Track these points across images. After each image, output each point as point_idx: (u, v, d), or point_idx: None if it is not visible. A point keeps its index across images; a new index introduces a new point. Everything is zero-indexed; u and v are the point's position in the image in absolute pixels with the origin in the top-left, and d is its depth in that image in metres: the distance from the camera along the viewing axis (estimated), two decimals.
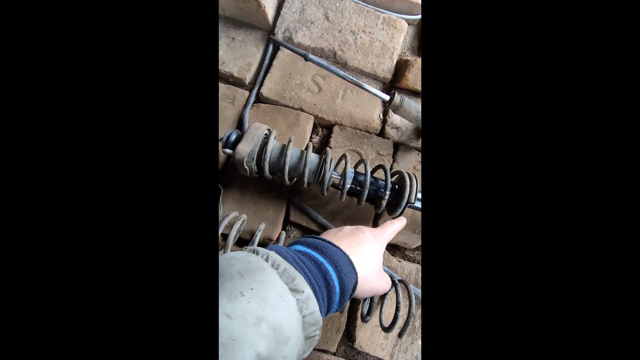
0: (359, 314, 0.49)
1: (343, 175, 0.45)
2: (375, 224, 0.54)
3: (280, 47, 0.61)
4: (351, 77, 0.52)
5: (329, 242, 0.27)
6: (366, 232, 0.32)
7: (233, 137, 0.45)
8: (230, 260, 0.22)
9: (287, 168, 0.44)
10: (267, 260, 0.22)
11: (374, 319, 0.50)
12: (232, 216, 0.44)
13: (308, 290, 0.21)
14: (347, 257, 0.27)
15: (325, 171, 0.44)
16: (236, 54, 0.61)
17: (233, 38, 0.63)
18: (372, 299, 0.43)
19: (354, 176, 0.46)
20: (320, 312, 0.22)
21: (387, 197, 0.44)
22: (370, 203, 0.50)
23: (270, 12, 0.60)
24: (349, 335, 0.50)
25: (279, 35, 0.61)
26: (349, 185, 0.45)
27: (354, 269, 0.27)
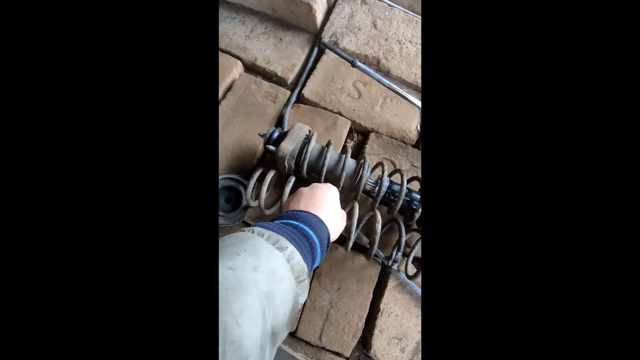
0: (378, 318, 0.49)
1: (378, 183, 0.45)
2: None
3: (325, 51, 0.62)
4: (396, 87, 0.52)
5: (300, 210, 0.34)
6: (322, 186, 0.39)
7: (276, 135, 0.46)
8: (223, 239, 0.27)
9: (325, 170, 0.44)
10: (253, 232, 0.28)
11: (390, 331, 0.49)
12: (258, 174, 0.45)
13: (291, 247, 0.27)
14: (316, 216, 0.34)
15: (362, 177, 0.45)
16: (282, 54, 0.63)
17: (280, 39, 0.65)
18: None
19: (388, 185, 0.46)
20: (306, 261, 0.28)
21: (420, 211, 0.44)
22: (401, 214, 0.50)
23: (319, 17, 0.62)
24: (365, 342, 0.50)
25: (325, 39, 0.62)
26: (382, 194, 0.46)
27: (324, 223, 0.34)
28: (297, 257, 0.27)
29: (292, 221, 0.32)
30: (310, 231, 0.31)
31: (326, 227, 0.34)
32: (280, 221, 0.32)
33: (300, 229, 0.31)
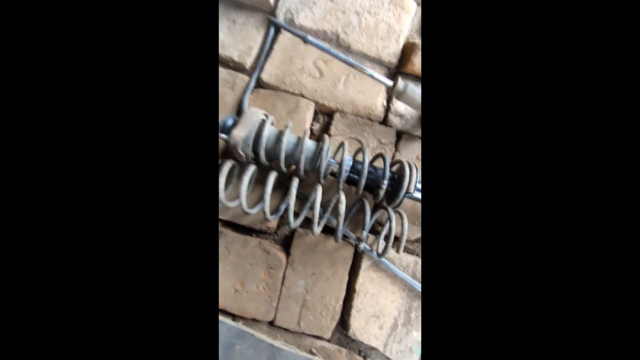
0: (355, 298, 0.49)
1: (340, 163, 0.44)
2: (373, 211, 0.53)
3: (282, 30, 0.59)
4: (352, 61, 0.49)
5: None
6: None
7: (229, 123, 0.44)
8: None
9: (284, 155, 0.43)
10: None
11: (367, 310, 0.49)
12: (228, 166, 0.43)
13: None
14: None
15: (322, 159, 0.43)
16: (237, 37, 0.60)
17: (234, 21, 0.61)
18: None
19: (352, 165, 0.45)
20: None
21: (385, 187, 0.43)
22: (370, 192, 0.49)
23: None
24: (344, 323, 0.51)
25: (280, 17, 0.59)
26: (346, 174, 0.44)
27: None
28: None
29: None
30: None
31: None
32: None
33: None
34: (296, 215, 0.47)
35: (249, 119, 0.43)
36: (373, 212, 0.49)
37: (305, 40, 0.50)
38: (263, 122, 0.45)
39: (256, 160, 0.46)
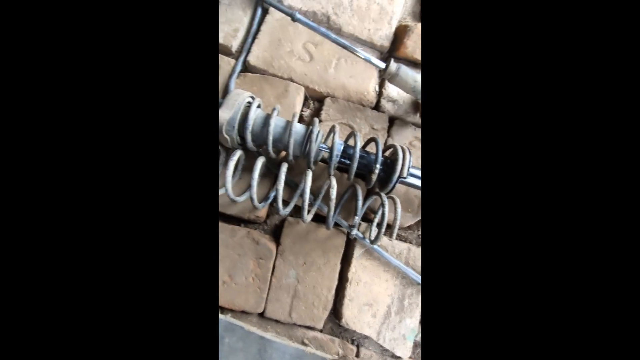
0: (347, 287, 0.48)
1: (331, 148, 0.42)
2: (365, 198, 0.51)
3: (269, 11, 0.56)
4: (343, 41, 0.47)
5: None
6: None
7: None
8: None
9: (271, 139, 0.41)
10: None
11: (360, 299, 0.48)
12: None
13: None
14: None
15: (312, 143, 0.41)
16: (222, 18, 0.57)
17: (219, 1, 0.58)
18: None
19: (343, 149, 0.43)
20: None
21: (377, 172, 0.42)
22: (362, 179, 0.47)
23: None
24: (336, 312, 0.50)
25: None
26: (337, 159, 0.43)
27: None
28: None
29: None
30: None
31: None
32: None
33: None
34: (286, 203, 0.45)
35: (234, 100, 0.40)
36: (365, 198, 0.48)
37: (293, 18, 0.47)
38: (249, 105, 0.43)
39: (242, 145, 0.44)
